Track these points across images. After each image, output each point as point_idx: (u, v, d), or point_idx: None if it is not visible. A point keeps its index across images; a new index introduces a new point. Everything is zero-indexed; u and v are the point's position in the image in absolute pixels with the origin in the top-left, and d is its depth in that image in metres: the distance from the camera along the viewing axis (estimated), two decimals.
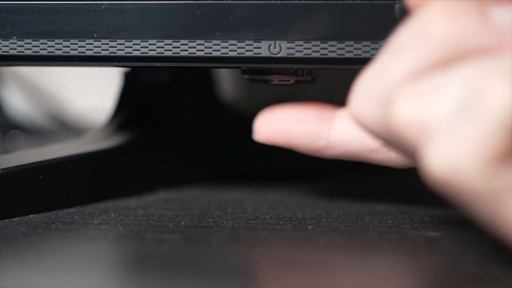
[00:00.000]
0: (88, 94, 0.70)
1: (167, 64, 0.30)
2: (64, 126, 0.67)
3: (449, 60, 0.22)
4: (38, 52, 0.31)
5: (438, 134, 0.21)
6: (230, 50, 0.30)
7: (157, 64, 0.30)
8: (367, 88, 0.23)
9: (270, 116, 0.31)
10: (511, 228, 0.21)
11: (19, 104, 0.69)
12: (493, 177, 0.20)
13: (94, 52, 0.30)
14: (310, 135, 0.30)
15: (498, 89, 0.20)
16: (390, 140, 0.23)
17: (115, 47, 0.30)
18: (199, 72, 0.42)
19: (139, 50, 0.30)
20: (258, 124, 0.31)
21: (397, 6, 0.27)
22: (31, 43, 0.31)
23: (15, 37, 0.31)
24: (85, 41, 0.30)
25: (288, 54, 0.29)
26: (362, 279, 0.24)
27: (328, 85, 0.46)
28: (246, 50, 0.29)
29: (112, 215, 0.33)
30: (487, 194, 0.20)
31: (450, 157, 0.20)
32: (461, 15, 0.22)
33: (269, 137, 0.31)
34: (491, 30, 0.21)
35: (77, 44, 0.30)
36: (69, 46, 0.31)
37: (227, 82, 0.46)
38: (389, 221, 0.31)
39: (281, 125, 0.31)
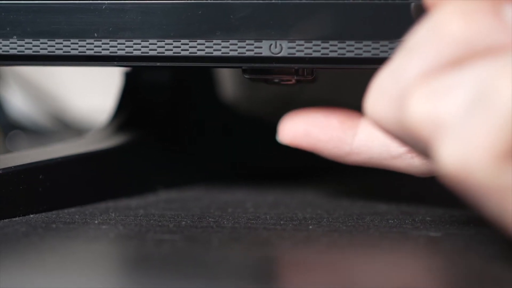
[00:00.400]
0: (89, 94, 0.70)
1: (168, 64, 0.30)
2: (65, 126, 0.67)
3: (463, 59, 0.22)
4: (39, 51, 0.31)
5: (451, 131, 0.21)
6: (230, 50, 0.29)
7: (158, 64, 0.30)
8: (382, 87, 0.23)
9: (295, 119, 0.31)
10: None
11: (20, 105, 0.69)
12: (503, 173, 0.20)
13: (95, 52, 0.30)
14: (334, 141, 0.31)
15: (507, 86, 0.20)
16: (404, 138, 0.23)
17: (116, 46, 0.30)
18: (200, 72, 0.42)
19: (140, 49, 0.30)
20: (283, 126, 0.31)
21: (413, 5, 0.27)
22: (31, 43, 0.31)
23: (15, 37, 0.31)
24: (85, 40, 0.30)
25: (289, 53, 0.29)
26: (363, 279, 0.24)
27: (330, 84, 0.46)
28: (247, 50, 0.29)
29: (113, 215, 0.33)
30: (497, 189, 0.21)
31: (462, 153, 0.21)
32: (476, 15, 0.22)
33: (294, 140, 0.31)
34: (505, 29, 0.22)
35: (77, 43, 0.30)
36: (69, 46, 0.30)
37: (228, 82, 0.46)
38: (390, 221, 0.31)
39: (306, 128, 0.31)
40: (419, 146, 0.23)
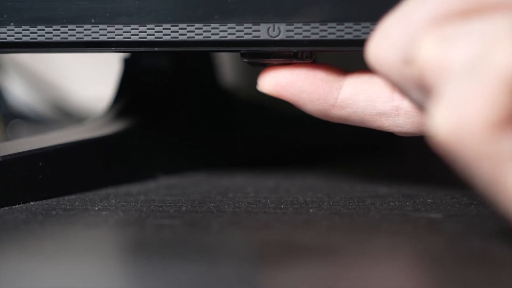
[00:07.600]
0: (90, 82, 0.70)
1: (166, 49, 0.30)
2: (66, 115, 0.67)
3: (470, 11, 0.22)
4: (36, 38, 0.31)
5: (446, 92, 0.21)
6: (228, 34, 0.29)
7: (156, 49, 0.30)
8: (388, 32, 0.24)
9: (279, 69, 0.30)
10: (508, 195, 0.20)
11: (20, 94, 0.69)
12: (495, 142, 0.20)
13: (92, 38, 0.30)
14: (320, 92, 0.29)
15: (503, 52, 0.20)
16: (405, 85, 0.24)
17: (113, 32, 0.30)
18: (199, 57, 0.42)
19: (137, 35, 0.30)
20: (265, 74, 0.30)
21: None
22: (28, 30, 0.31)
23: (12, 24, 0.31)
24: (83, 26, 0.30)
25: (287, 36, 0.29)
26: (364, 262, 0.24)
27: None
28: (245, 34, 0.29)
29: (113, 201, 0.32)
30: (487, 159, 0.20)
31: (455, 118, 0.21)
32: None
33: (276, 89, 0.30)
34: None
35: (75, 30, 0.30)
36: (67, 32, 0.30)
37: (227, 66, 0.46)
38: (391, 204, 0.31)
39: (291, 78, 0.30)
40: (418, 95, 0.23)
